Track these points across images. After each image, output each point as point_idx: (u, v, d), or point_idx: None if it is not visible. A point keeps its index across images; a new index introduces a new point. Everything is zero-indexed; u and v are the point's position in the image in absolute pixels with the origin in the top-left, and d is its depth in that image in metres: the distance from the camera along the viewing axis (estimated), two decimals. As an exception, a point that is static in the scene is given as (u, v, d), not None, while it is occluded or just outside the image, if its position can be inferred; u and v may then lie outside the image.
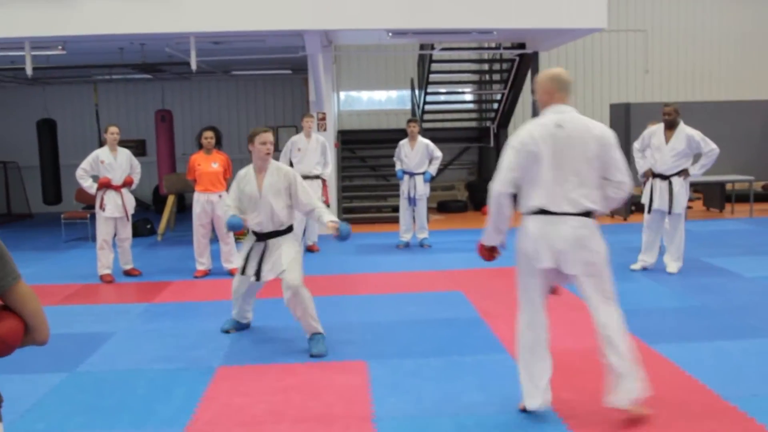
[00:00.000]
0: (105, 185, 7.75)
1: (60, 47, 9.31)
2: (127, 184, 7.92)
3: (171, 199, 11.14)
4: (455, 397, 4.25)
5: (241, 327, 5.79)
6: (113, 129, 7.88)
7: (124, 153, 7.97)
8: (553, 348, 5.05)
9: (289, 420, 3.95)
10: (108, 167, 7.78)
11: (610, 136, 3.80)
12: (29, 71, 9.34)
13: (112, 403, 4.28)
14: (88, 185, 7.75)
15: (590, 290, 3.83)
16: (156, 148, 13.10)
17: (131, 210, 7.99)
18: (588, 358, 4.87)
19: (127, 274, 8.12)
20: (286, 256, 5.17)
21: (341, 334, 5.53)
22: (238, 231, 5.53)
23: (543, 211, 3.76)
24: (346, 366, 4.85)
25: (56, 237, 11.09)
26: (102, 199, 7.76)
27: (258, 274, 5.25)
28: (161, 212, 11.23)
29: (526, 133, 3.77)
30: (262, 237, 5.26)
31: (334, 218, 5.21)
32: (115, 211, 7.80)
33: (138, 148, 14.89)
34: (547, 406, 3.95)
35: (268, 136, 5.22)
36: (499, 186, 3.78)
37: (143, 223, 11.34)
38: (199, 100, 14.86)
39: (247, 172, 5.33)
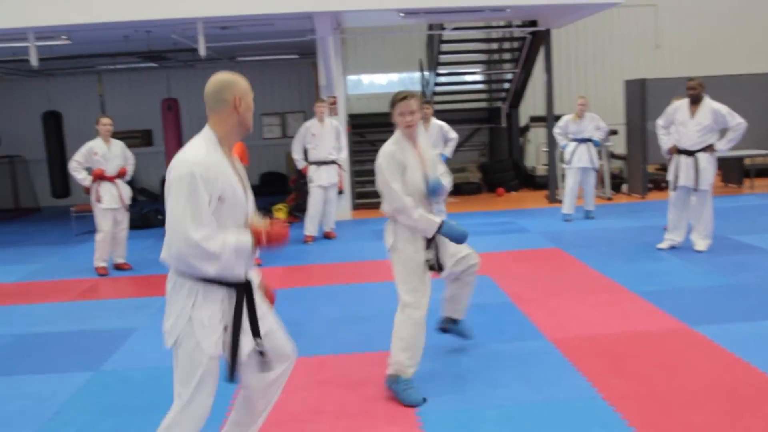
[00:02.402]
0: (99, 177, 7.60)
1: (64, 37, 9.09)
2: (121, 175, 7.77)
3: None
4: (498, 387, 4.09)
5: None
6: (105, 120, 7.70)
7: (118, 144, 7.82)
8: (594, 334, 4.92)
9: (329, 416, 3.80)
10: (102, 159, 7.62)
11: (172, 174, 2.70)
12: (34, 62, 9.11)
13: (143, 402, 4.12)
14: (82, 177, 7.60)
15: None
16: (164, 137, 12.90)
17: (128, 201, 7.86)
18: (633, 342, 4.71)
19: (118, 268, 7.95)
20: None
21: (370, 324, 5.37)
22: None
23: None
24: (381, 357, 4.63)
25: (67, 230, 10.92)
26: (98, 191, 7.62)
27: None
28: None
29: None
30: None
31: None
32: (112, 202, 7.65)
33: (144, 138, 14.73)
34: None
35: (406, 105, 4.08)
36: None
37: (154, 213, 11.17)
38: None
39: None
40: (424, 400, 3.97)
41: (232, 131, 2.86)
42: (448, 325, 4.75)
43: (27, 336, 5.63)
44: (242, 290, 2.84)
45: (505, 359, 4.52)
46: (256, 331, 2.87)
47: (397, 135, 4.19)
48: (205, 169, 2.67)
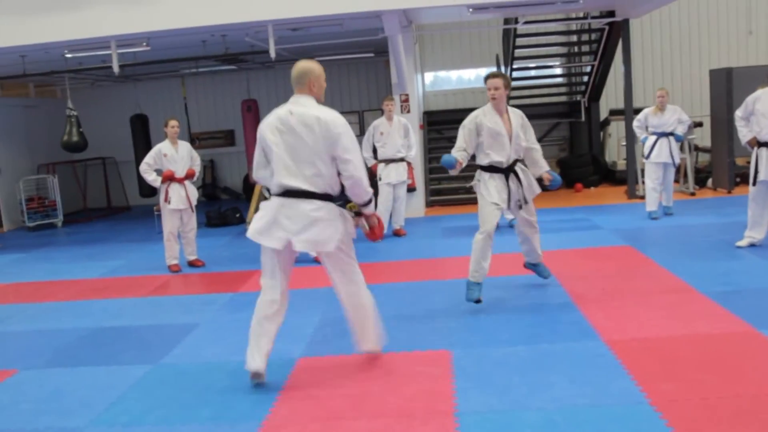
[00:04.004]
0: (169, 178, 7.88)
1: (144, 43, 9.48)
2: (189, 176, 8.04)
3: (258, 188, 11.19)
4: (544, 389, 4.00)
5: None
6: (173, 122, 7.96)
7: (185, 146, 8.09)
8: (652, 336, 4.74)
9: (367, 415, 3.81)
10: (171, 160, 7.90)
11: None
12: (116, 69, 9.56)
13: (192, 396, 4.26)
14: (153, 179, 7.90)
15: (330, 268, 4.42)
16: (244, 137, 13.25)
17: (194, 201, 8.12)
18: (691, 345, 4.51)
19: (192, 264, 8.22)
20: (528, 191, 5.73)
21: (426, 322, 5.37)
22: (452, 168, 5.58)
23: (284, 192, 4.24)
24: (429, 356, 4.67)
25: (152, 228, 11.39)
26: (167, 192, 7.90)
27: (509, 203, 5.66)
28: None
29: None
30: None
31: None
32: (179, 203, 7.92)
33: (227, 138, 15.18)
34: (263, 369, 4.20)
35: (492, 82, 5.42)
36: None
37: (232, 212, 11.49)
38: (284, 88, 14.89)
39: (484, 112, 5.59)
40: (478, 301, 5.57)
41: None
42: (531, 267, 6.21)
43: (99, 330, 5.92)
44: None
45: (554, 360, 4.42)
46: None
47: (487, 105, 5.51)
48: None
